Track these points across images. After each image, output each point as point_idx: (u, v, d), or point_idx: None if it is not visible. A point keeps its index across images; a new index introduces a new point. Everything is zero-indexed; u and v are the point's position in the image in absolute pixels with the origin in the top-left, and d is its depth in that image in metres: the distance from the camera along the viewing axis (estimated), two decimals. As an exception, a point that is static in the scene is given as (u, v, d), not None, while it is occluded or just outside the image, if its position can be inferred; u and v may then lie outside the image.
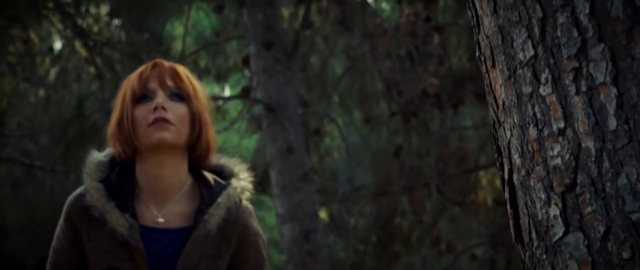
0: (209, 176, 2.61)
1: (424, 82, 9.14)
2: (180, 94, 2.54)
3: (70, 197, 2.57)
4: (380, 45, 9.33)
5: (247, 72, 10.71)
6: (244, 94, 9.17)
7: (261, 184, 8.64)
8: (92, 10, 10.23)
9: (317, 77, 10.31)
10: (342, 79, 10.63)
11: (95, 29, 9.86)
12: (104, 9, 10.09)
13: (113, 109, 2.63)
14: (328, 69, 10.66)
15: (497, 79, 1.55)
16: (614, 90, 1.39)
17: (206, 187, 2.58)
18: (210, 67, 11.11)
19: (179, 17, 10.47)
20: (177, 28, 11.42)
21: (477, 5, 1.57)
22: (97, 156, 2.62)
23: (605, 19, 1.38)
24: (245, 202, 2.59)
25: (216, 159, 2.68)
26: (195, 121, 2.55)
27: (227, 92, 12.80)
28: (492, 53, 1.55)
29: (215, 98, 10.38)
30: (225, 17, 10.42)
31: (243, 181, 2.62)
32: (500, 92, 1.55)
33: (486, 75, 1.59)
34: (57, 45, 12.43)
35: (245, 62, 9.09)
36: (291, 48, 8.56)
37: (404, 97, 9.30)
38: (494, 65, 1.55)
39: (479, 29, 1.58)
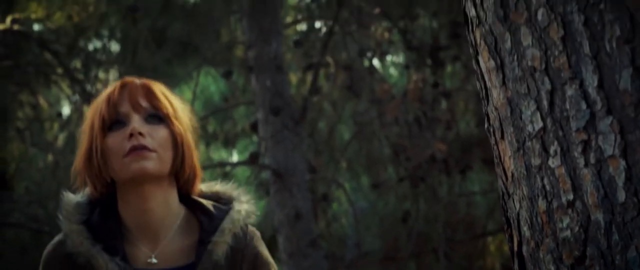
0: (206, 202, 2.31)
1: (431, 148, 9.15)
2: (158, 115, 2.23)
3: (48, 248, 2.26)
4: (388, 111, 9.36)
5: (255, 138, 10.71)
6: (252, 159, 9.18)
7: (269, 250, 8.61)
8: (101, 75, 10.29)
9: (325, 143, 10.32)
10: (350, 144, 10.64)
11: (105, 94, 9.90)
12: (113, 75, 10.15)
13: (79, 141, 2.32)
14: (336, 135, 10.69)
15: (506, 150, 1.56)
16: (623, 162, 1.39)
17: (205, 215, 2.28)
18: (218, 132, 11.13)
19: (188, 82, 10.52)
20: (185, 93, 11.48)
21: (486, 78, 1.58)
22: (73, 197, 2.31)
23: (613, 91, 1.39)
24: (251, 227, 2.31)
25: (209, 187, 2.38)
26: (177, 144, 2.24)
27: (235, 158, 12.80)
28: (501, 125, 1.56)
29: (223, 164, 10.42)
30: (233, 83, 10.48)
31: (246, 204, 2.33)
32: (510, 164, 1.55)
33: (495, 147, 1.60)
34: (66, 110, 12.49)
35: (254, 127, 9.11)
36: (299, 114, 8.58)
37: (412, 162, 9.30)
38: (503, 137, 1.56)
39: (487, 100, 1.59)
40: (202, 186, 2.36)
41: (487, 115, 1.61)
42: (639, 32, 1.36)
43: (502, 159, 1.58)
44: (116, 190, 2.26)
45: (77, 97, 11.06)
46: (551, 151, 1.47)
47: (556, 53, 1.44)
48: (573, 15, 1.42)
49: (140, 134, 2.18)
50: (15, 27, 10.28)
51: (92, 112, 2.28)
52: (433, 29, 10.73)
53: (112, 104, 2.23)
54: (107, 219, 2.25)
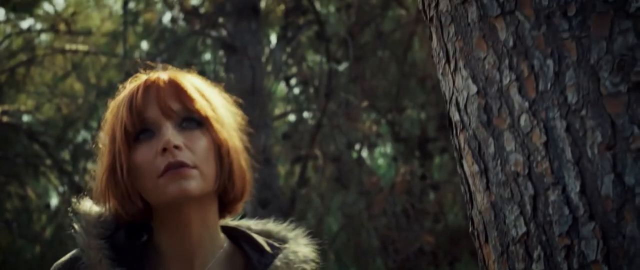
0: (258, 237, 1.94)
1: (420, 240, 9.13)
2: (194, 118, 1.85)
3: (56, 264, 1.89)
4: (376, 203, 9.36)
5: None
6: (240, 251, 9.14)
7: None
8: (90, 167, 10.31)
9: (313, 235, 10.30)
10: (338, 235, 10.62)
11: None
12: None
13: (98, 155, 1.94)
14: (324, 226, 10.67)
15: (490, 254, 1.56)
16: (606, 268, 1.40)
17: (255, 250, 1.91)
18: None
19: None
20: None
21: (470, 182, 1.59)
22: (94, 208, 1.90)
23: (595, 197, 1.40)
24: None
25: (259, 224, 2.01)
26: (222, 154, 1.86)
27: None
28: (485, 229, 1.57)
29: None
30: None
31: (304, 247, 1.95)
32: (494, 268, 1.56)
33: (479, 251, 1.61)
34: (54, 201, 12.46)
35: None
36: (288, 206, 8.59)
37: (400, 254, 9.27)
38: (487, 241, 1.57)
39: (472, 204, 1.60)
40: (250, 222, 2.02)
41: (471, 219, 1.62)
42: (620, 138, 1.38)
43: (487, 263, 1.58)
44: (151, 212, 1.88)
45: (65, 189, 11.04)
46: (534, 256, 1.47)
47: (539, 158, 1.46)
48: (555, 122, 1.44)
49: (177, 147, 1.79)
50: (5, 118, 10.32)
51: (112, 118, 1.89)
52: (421, 120, 10.81)
53: (136, 110, 1.84)
54: (134, 240, 1.88)
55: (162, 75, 1.89)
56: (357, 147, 10.77)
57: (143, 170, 1.82)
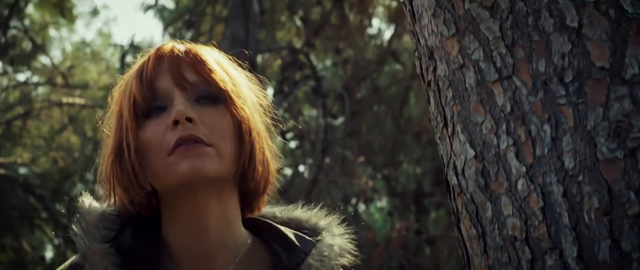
0: (285, 230, 1.69)
1: (416, 295, 9.09)
2: (213, 94, 1.61)
3: None
4: (372, 258, 9.34)
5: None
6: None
7: None
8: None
9: None
10: (334, 291, 10.57)
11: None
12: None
13: (102, 140, 1.70)
14: (320, 281, 10.62)
15: (488, 318, 1.57)
16: (604, 333, 1.40)
17: (283, 245, 1.64)
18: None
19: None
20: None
21: (468, 245, 1.60)
22: (96, 206, 1.66)
23: (593, 263, 1.41)
24: None
25: (285, 211, 1.77)
26: (242, 133, 1.60)
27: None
28: (483, 292, 1.57)
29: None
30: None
31: (339, 238, 1.71)
32: (492, 332, 1.56)
33: (477, 315, 1.61)
34: (49, 254, 12.42)
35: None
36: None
37: (397, 310, 9.23)
38: (485, 305, 1.57)
39: (469, 268, 1.61)
40: (275, 210, 1.77)
41: (470, 282, 1.62)
42: (617, 204, 1.39)
43: (485, 327, 1.58)
44: (159, 202, 1.64)
45: (60, 241, 11.01)
46: (533, 320, 1.48)
47: (536, 223, 1.46)
48: (552, 187, 1.45)
49: (190, 120, 1.55)
50: (1, 171, 10.31)
51: (120, 94, 1.67)
52: (417, 175, 10.81)
53: (146, 80, 1.59)
54: (143, 240, 1.62)
55: (178, 45, 1.65)
56: (353, 201, 10.76)
57: (152, 148, 1.56)
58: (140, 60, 1.66)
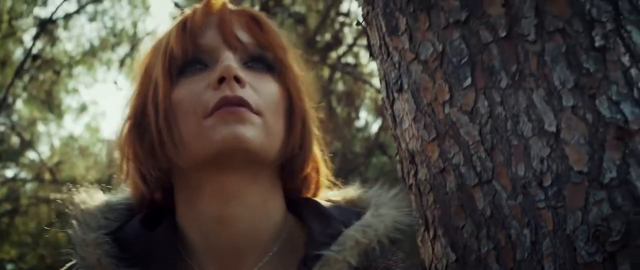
0: (324, 202, 1.39)
1: None
2: (266, 59, 1.35)
3: None
4: None
5: None
6: None
7: None
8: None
9: None
10: None
11: None
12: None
13: (126, 101, 1.39)
14: None
15: None
16: None
17: (317, 217, 1.33)
18: None
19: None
20: None
21: None
22: (100, 196, 1.39)
23: None
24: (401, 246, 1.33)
25: (343, 194, 1.46)
26: (295, 111, 1.36)
27: None
28: None
29: None
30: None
31: (395, 211, 1.34)
32: None
33: None
34: None
35: None
36: None
37: None
38: None
39: None
40: (329, 194, 1.46)
41: None
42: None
43: None
44: (177, 184, 1.34)
45: None
46: None
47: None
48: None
49: (238, 80, 1.27)
50: (-13, 268, 10.24)
51: (152, 50, 1.39)
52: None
53: (190, 31, 1.33)
54: (152, 230, 1.32)
55: (232, 3, 1.40)
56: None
57: (184, 107, 1.27)
58: (184, 14, 1.39)
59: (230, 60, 1.28)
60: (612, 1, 1.50)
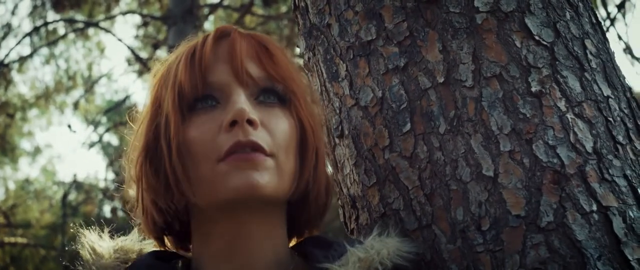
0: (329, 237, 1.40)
1: None
2: (277, 92, 1.33)
3: None
4: None
5: None
6: None
7: None
8: None
9: None
10: None
11: None
12: None
13: (132, 136, 1.39)
14: None
15: None
16: None
17: (319, 245, 1.34)
18: None
19: None
20: None
21: None
22: (107, 240, 1.39)
23: None
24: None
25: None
26: (307, 146, 1.35)
27: None
28: None
29: None
30: None
31: (390, 239, 1.35)
32: None
33: None
34: None
35: None
36: None
37: None
38: None
39: None
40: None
41: None
42: None
43: None
44: (192, 217, 1.34)
45: None
46: None
47: None
48: None
49: (251, 123, 1.25)
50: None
51: (158, 83, 1.36)
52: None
53: (199, 67, 1.29)
54: (163, 261, 1.33)
55: (241, 30, 1.37)
56: None
57: (197, 149, 1.25)
58: (192, 42, 1.36)
59: (242, 103, 1.25)
60: (548, 47, 1.52)
